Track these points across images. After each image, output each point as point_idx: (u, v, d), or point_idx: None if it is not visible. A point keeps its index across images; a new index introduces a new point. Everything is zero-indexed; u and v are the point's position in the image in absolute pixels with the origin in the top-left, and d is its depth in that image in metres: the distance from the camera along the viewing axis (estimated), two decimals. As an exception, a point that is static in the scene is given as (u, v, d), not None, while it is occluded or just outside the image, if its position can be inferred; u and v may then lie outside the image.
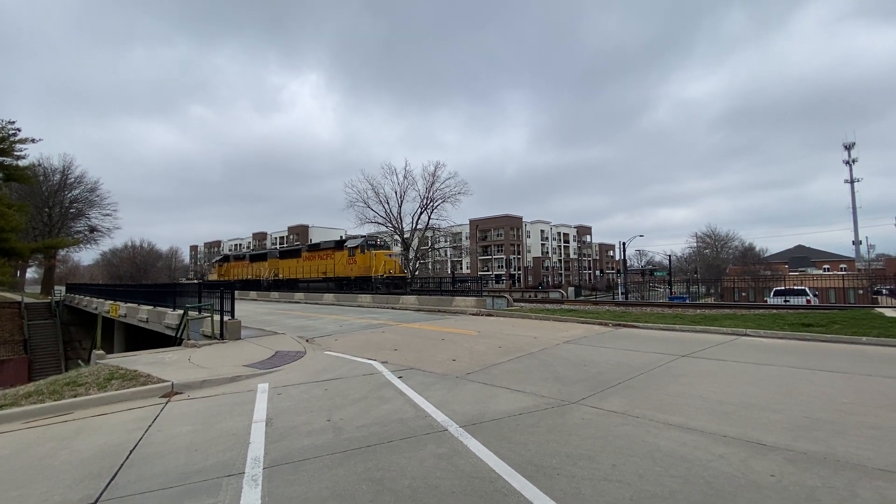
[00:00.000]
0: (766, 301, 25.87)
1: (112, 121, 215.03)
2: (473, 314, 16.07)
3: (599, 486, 3.17)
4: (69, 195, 49.95)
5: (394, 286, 25.85)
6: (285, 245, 42.16)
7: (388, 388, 6.23)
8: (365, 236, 30.73)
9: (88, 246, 52.74)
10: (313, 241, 36.00)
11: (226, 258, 45.33)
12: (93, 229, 51.07)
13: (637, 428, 4.34)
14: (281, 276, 34.68)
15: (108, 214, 51.84)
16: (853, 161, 50.92)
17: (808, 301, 22.90)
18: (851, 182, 50.90)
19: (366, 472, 3.54)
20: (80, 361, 16.44)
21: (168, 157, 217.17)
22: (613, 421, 4.57)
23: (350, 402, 5.55)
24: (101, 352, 9.35)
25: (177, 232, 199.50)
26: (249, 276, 38.57)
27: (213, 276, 44.48)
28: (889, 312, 11.20)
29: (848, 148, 51.19)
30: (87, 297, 31.95)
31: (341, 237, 33.63)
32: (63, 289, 43.84)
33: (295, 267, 33.21)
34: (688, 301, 28.85)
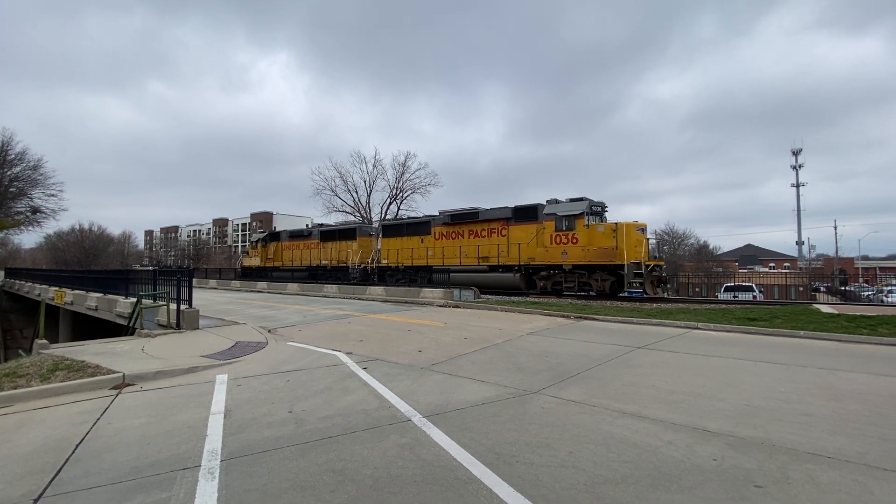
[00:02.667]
0: (717, 296, 27.34)
1: (60, 94, 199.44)
2: (441, 306, 16.16)
3: (556, 473, 3.30)
4: (9, 173, 46.32)
5: (658, 282, 17.39)
6: (402, 217, 30.53)
7: (352, 379, 6.20)
8: (584, 198, 18.19)
9: (30, 228, 49.27)
10: (455, 210, 22.42)
11: (274, 236, 33.53)
12: (35, 210, 47.64)
13: (593, 416, 4.52)
14: (389, 262, 23.93)
15: (52, 195, 48.43)
16: (800, 166, 54.20)
17: (755, 297, 24.40)
18: (797, 186, 54.21)
19: (327, 463, 3.53)
20: (20, 352, 15.45)
21: (122, 135, 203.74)
22: (571, 410, 4.74)
23: (313, 394, 5.49)
24: (45, 341, 8.80)
25: (130, 215, 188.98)
26: (322, 262, 28.02)
27: (254, 261, 33.45)
28: (825, 308, 12.07)
29: (795, 154, 54.40)
30: (30, 283, 29.96)
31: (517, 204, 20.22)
32: (2, 273, 40.82)
33: (419, 249, 22.85)
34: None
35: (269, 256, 32.56)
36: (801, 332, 8.89)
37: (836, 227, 53.78)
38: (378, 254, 25.00)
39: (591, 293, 17.59)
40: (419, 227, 23.62)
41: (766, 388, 5.41)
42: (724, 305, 14.24)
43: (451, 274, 21.10)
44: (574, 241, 17.54)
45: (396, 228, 24.88)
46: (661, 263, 18.00)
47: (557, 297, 17.81)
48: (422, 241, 22.89)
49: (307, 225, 38.57)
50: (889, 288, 28.68)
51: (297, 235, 31.69)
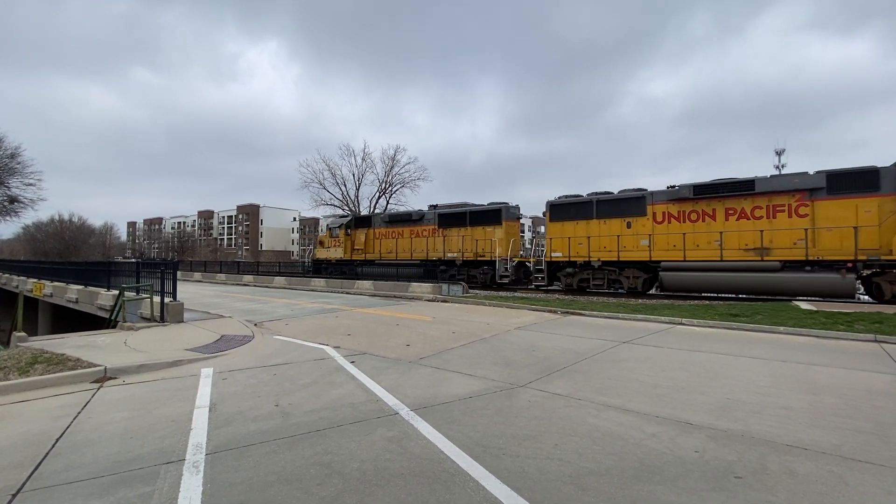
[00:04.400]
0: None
1: (40, 79, 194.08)
2: (429, 300, 16.17)
3: (542, 465, 3.33)
4: (-16, 161, 44.94)
5: None
6: (580, 195, 17.79)
7: (339, 372, 6.18)
8: None
9: (8, 218, 47.82)
10: (700, 182, 15.33)
11: (362, 221, 26.04)
12: (13, 200, 46.29)
13: (579, 410, 4.57)
14: (571, 255, 17.70)
15: (31, 184, 47.08)
16: (783, 166, 55.16)
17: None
18: (781, 185, 55.13)
19: (314, 457, 3.51)
20: (-3, 344, 15.07)
21: (105, 123, 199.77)
22: (557, 403, 4.79)
23: (300, 387, 5.46)
24: (23, 334, 8.59)
25: (113, 206, 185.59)
26: (447, 254, 21.69)
27: (334, 253, 26.32)
28: (804, 305, 12.34)
29: (779, 154, 55.36)
30: (7, 275, 29.21)
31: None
32: (-23, 265, 39.64)
33: (627, 237, 16.61)
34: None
35: (356, 247, 25.18)
36: (782, 328, 9.09)
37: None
38: (543, 244, 18.90)
39: None
40: (623, 205, 16.95)
41: (746, 382, 5.53)
42: (707, 301, 14.47)
43: (696, 273, 14.89)
44: None
45: (578, 209, 17.90)
46: None
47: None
48: (628, 226, 16.69)
49: (413, 208, 29.41)
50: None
51: (399, 220, 24.38)
